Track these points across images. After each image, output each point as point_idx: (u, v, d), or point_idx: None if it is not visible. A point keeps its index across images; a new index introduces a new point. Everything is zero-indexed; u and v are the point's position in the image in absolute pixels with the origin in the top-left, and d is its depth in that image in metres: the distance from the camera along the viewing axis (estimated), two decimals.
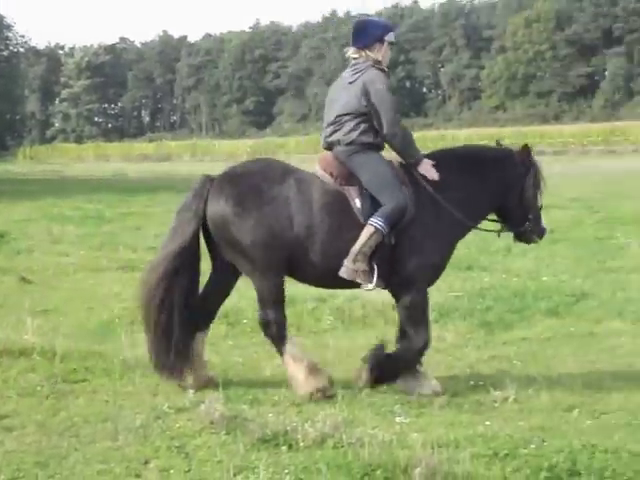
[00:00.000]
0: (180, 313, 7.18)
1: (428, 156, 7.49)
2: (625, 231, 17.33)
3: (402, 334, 7.48)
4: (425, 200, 7.22)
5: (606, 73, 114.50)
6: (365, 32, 7.42)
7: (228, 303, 10.76)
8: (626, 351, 8.72)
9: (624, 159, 50.13)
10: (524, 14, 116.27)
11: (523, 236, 8.05)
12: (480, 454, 5.62)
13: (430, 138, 75.53)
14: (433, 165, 7.33)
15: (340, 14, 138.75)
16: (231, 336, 9.48)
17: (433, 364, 8.20)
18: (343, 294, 10.70)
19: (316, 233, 7.07)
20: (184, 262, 7.22)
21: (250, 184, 7.15)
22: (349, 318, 10.06)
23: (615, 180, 30.99)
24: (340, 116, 7.29)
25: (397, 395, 7.23)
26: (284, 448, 5.84)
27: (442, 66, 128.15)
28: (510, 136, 72.69)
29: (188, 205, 7.28)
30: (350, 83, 7.29)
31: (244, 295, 10.23)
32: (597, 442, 5.80)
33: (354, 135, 7.21)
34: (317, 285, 7.95)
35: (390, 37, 7.44)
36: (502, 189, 7.60)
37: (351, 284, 7.27)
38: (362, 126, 7.21)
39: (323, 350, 8.79)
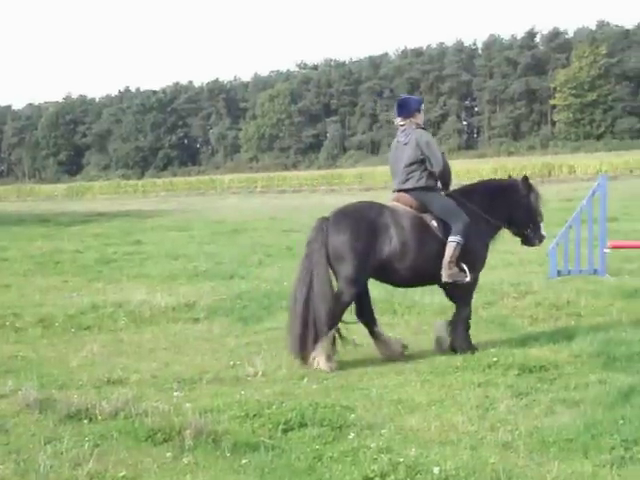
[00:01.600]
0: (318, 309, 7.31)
1: (467, 187, 8.25)
2: None
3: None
4: (472, 215, 7.63)
5: (327, 134, 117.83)
6: (408, 106, 7.94)
7: (43, 311, 10.35)
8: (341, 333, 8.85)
9: (342, 195, 51.50)
10: (268, 91, 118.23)
11: (528, 241, 8.31)
12: (236, 415, 5.60)
13: (203, 182, 75.38)
14: (470, 192, 8.00)
15: (132, 89, 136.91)
16: (46, 336, 9.02)
17: (204, 351, 8.12)
18: (135, 300, 10.49)
19: (409, 247, 7.39)
20: (324, 282, 7.34)
21: (359, 218, 7.42)
22: (139, 318, 9.78)
23: None
24: (407, 166, 7.66)
25: (175, 375, 7.06)
26: (85, 421, 5.62)
27: (211, 128, 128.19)
28: (262, 179, 73.98)
29: (315, 238, 7.42)
30: (405, 144, 7.72)
31: (56, 304, 9.80)
32: (320, 400, 5.90)
33: (422, 182, 7.64)
34: (402, 286, 8.20)
35: (422, 107, 8.01)
36: (513, 206, 8.05)
37: (430, 282, 7.83)
38: (425, 173, 7.65)
39: (119, 344, 8.52)
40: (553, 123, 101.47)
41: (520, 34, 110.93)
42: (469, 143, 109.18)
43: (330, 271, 7.40)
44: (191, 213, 34.90)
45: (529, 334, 8.27)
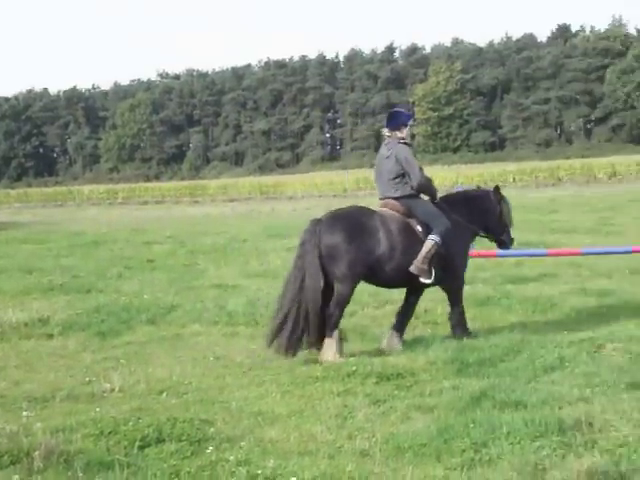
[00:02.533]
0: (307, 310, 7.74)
1: (449, 196, 8.91)
2: (205, 259, 17.60)
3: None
4: (453, 222, 8.22)
5: (190, 145, 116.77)
6: (396, 119, 8.48)
7: None
8: (202, 347, 8.79)
9: (204, 207, 51.14)
10: (129, 101, 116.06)
11: (503, 245, 9.03)
12: (90, 434, 5.43)
13: (60, 192, 72.98)
14: (451, 202, 8.61)
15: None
16: None
17: (58, 367, 7.86)
18: None
19: (396, 249, 7.91)
20: (315, 279, 7.74)
21: (352, 221, 7.92)
22: None
23: (198, 222, 31.47)
24: (392, 180, 8.19)
25: (25, 393, 6.80)
26: None
27: (68, 137, 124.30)
28: (123, 190, 72.45)
29: (308, 239, 7.84)
30: (387, 157, 8.26)
31: None
32: (178, 415, 5.82)
33: (407, 191, 8.17)
34: (389, 286, 8.77)
35: (410, 122, 8.57)
36: (485, 213, 8.72)
37: (412, 283, 8.17)
38: (406, 184, 8.15)
39: None
40: (413, 136, 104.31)
41: (380, 48, 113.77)
42: (332, 155, 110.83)
43: (321, 272, 7.78)
44: (48, 225, 33.74)
45: None
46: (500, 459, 4.72)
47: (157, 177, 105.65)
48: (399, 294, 11.14)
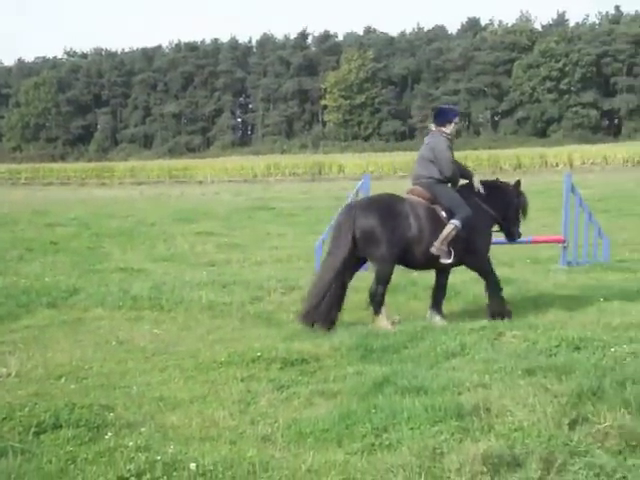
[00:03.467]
0: (342, 287, 8.50)
1: (470, 184, 9.21)
2: (110, 242, 17.32)
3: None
4: (476, 208, 8.82)
5: (98, 126, 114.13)
6: (442, 116, 9.18)
7: None
8: (105, 331, 8.65)
9: (112, 189, 50.23)
10: (34, 79, 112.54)
11: (512, 235, 9.49)
12: None
13: None
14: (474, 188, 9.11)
15: None
16: None
17: None
18: None
19: (424, 232, 8.56)
20: (342, 259, 8.42)
21: (385, 206, 8.58)
22: None
23: (104, 205, 30.88)
24: (424, 162, 8.94)
25: None
26: None
27: None
28: (26, 170, 70.41)
29: (343, 222, 8.57)
30: (426, 144, 9.02)
31: None
32: (77, 401, 5.69)
33: (434, 174, 8.83)
34: (417, 268, 9.33)
35: (456, 119, 9.24)
36: (506, 204, 9.24)
37: (436, 264, 8.75)
38: (436, 171, 8.82)
39: None
40: (324, 123, 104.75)
41: (293, 34, 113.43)
42: (243, 140, 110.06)
43: (350, 254, 8.45)
44: None
45: (294, 329, 8.47)
46: (400, 444, 4.78)
47: (63, 158, 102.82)
48: (304, 279, 11.20)
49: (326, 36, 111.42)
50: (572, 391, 5.35)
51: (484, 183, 9.32)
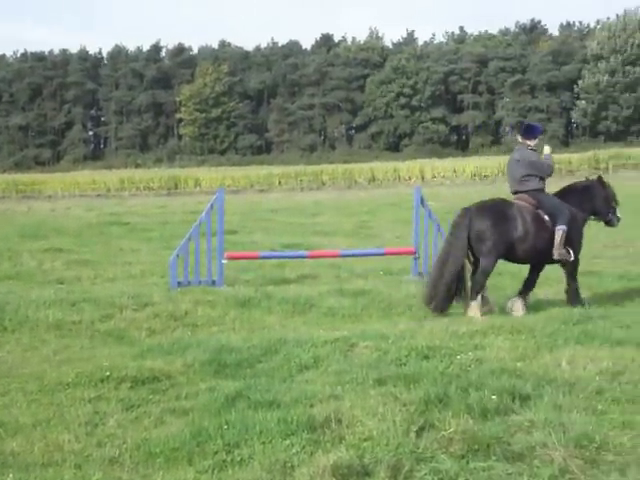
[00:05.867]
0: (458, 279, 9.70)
1: (563, 190, 10.55)
2: None
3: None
4: (570, 211, 9.99)
5: None
6: (530, 132, 10.44)
7: None
8: None
9: None
10: None
11: (610, 223, 10.72)
12: None
13: None
14: (564, 195, 10.41)
15: None
16: None
17: None
18: None
19: (529, 233, 9.80)
20: (461, 254, 9.74)
21: (497, 210, 9.87)
22: None
23: None
24: (521, 178, 10.15)
25: None
26: None
27: None
28: None
29: (460, 223, 9.80)
30: (518, 161, 10.22)
31: None
32: None
33: (534, 186, 10.12)
34: (520, 262, 10.38)
35: (541, 136, 10.69)
36: (592, 200, 10.48)
37: (537, 260, 10.15)
38: (536, 180, 10.13)
39: None
40: (180, 137, 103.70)
41: (146, 47, 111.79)
42: (96, 153, 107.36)
43: (467, 250, 9.73)
44: None
45: (146, 346, 8.29)
46: (251, 459, 4.76)
47: None
48: (158, 295, 11.00)
49: (180, 49, 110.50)
50: (420, 399, 5.51)
51: (569, 189, 10.54)
